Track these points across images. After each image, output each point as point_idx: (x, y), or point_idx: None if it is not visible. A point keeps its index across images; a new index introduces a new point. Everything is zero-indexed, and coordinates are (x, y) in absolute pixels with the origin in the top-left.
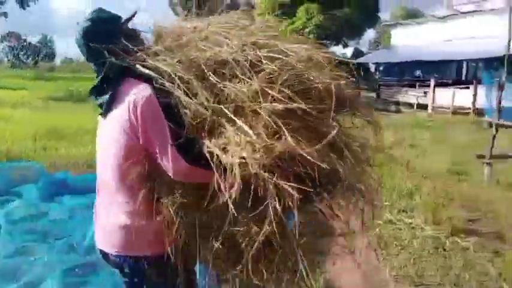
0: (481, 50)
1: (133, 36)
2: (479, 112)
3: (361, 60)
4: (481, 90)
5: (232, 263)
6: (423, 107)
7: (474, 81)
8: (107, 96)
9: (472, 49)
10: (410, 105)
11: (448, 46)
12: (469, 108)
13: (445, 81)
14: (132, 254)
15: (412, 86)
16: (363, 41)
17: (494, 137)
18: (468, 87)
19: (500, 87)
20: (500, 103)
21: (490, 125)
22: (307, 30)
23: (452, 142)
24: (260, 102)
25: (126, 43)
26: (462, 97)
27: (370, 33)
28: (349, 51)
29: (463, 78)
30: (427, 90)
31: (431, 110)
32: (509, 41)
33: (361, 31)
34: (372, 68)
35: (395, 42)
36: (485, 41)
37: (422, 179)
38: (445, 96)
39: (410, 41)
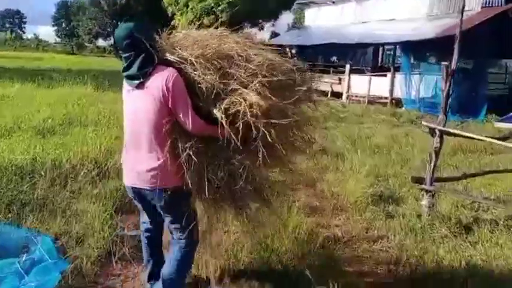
0: (401, 33)
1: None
2: (397, 102)
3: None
4: (400, 78)
5: (227, 191)
6: (337, 95)
7: (392, 68)
8: (138, 75)
9: (390, 32)
10: (323, 93)
11: (365, 28)
12: (386, 98)
13: (361, 67)
14: (160, 187)
15: (326, 72)
16: (281, 23)
17: (437, 151)
18: (385, 75)
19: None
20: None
21: (432, 131)
22: (219, 8)
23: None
24: (252, 80)
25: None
26: (379, 85)
27: (288, 16)
28: (266, 35)
29: (382, 64)
30: (342, 76)
31: (345, 99)
32: None
33: (276, 12)
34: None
35: (308, 23)
36: (405, 23)
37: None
38: (361, 84)
39: (324, 21)
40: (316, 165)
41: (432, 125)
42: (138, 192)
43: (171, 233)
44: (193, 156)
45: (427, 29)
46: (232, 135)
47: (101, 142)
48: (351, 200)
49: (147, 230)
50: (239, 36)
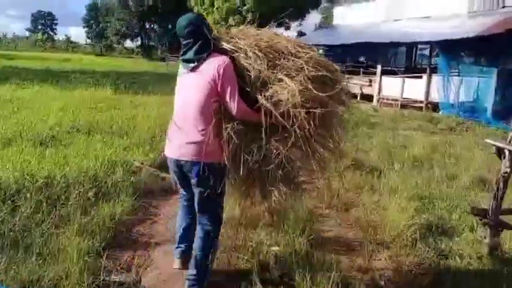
0: (438, 31)
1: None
2: (433, 106)
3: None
4: (436, 80)
5: (258, 174)
6: (368, 98)
7: (428, 69)
8: (194, 59)
9: (426, 31)
10: (353, 95)
11: (398, 27)
12: (421, 102)
13: (393, 68)
14: (202, 160)
15: (356, 73)
16: (307, 23)
17: (506, 178)
18: (421, 77)
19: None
20: None
21: (500, 152)
22: (245, 7)
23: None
24: (299, 73)
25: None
26: (413, 88)
27: (315, 16)
28: (292, 34)
29: (415, 65)
30: (373, 78)
31: (376, 102)
32: None
33: (303, 12)
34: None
35: (337, 21)
36: (442, 21)
37: None
38: (393, 87)
39: (353, 20)
40: (348, 183)
41: (501, 144)
42: (179, 165)
43: (198, 212)
44: (233, 136)
45: (467, 27)
46: (272, 121)
47: (106, 154)
48: (393, 232)
49: (186, 200)
50: (289, 37)
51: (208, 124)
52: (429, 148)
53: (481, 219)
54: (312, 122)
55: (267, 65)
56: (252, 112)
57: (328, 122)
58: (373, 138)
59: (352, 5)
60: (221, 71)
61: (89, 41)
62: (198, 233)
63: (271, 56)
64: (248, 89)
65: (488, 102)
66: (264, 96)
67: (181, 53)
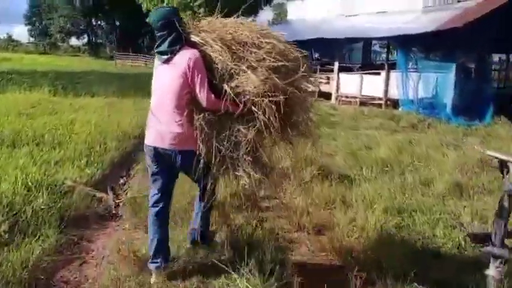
0: (395, 26)
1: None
2: (393, 103)
3: None
4: (395, 76)
5: (230, 160)
6: (325, 95)
7: (386, 66)
8: (168, 51)
9: (382, 26)
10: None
11: (354, 22)
12: (381, 99)
13: (349, 65)
14: (178, 148)
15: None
16: (260, 19)
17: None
18: (379, 73)
19: None
20: None
21: (503, 166)
22: (197, 3)
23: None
24: (261, 64)
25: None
26: (372, 85)
27: (268, 12)
28: None
29: (371, 61)
30: (330, 75)
31: (335, 100)
32: None
33: (255, 7)
34: None
35: (291, 17)
36: (399, 16)
37: None
38: (352, 84)
39: (307, 15)
40: (318, 197)
41: (504, 157)
42: (158, 153)
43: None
44: (204, 126)
45: (424, 22)
46: (238, 110)
47: (29, 172)
48: (373, 255)
49: (156, 202)
50: (254, 25)
51: (182, 114)
52: (395, 149)
53: (481, 247)
54: (274, 109)
55: (232, 57)
56: (220, 102)
57: (292, 108)
58: (336, 140)
59: (306, 0)
60: (191, 63)
61: (32, 39)
62: (200, 193)
63: (234, 48)
64: (215, 81)
65: (448, 98)
66: (230, 87)
67: (156, 45)
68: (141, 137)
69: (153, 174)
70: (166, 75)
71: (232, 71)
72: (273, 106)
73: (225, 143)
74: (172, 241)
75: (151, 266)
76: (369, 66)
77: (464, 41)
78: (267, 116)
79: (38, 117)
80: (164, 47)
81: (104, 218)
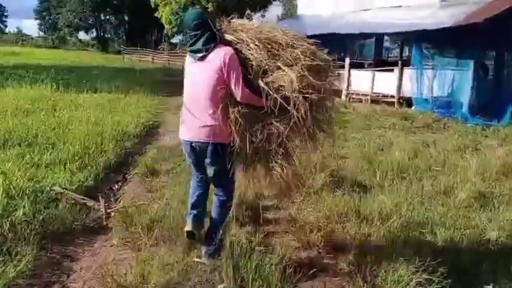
0: (410, 22)
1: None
2: (406, 101)
3: None
4: (409, 73)
5: (263, 152)
6: (335, 92)
7: (399, 62)
8: (203, 49)
9: (397, 21)
10: None
11: (367, 17)
12: (393, 97)
13: (361, 61)
14: (213, 141)
15: None
16: (270, 15)
17: None
18: (392, 70)
19: None
20: None
21: None
22: None
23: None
24: (296, 63)
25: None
26: (384, 82)
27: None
28: None
29: (384, 58)
30: (341, 72)
31: (345, 97)
32: None
33: (265, 2)
34: None
35: (301, 12)
36: (415, 11)
37: None
38: (363, 81)
39: (318, 10)
40: (328, 208)
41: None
42: (193, 147)
43: (214, 186)
44: (239, 119)
45: (441, 17)
46: (272, 104)
47: (13, 178)
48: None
49: (196, 188)
50: (285, 29)
51: (218, 108)
52: (411, 151)
53: None
54: (308, 106)
55: (267, 55)
56: (254, 97)
57: (321, 106)
58: (348, 141)
59: None
60: (227, 60)
61: (42, 33)
62: (215, 203)
63: (269, 47)
64: (250, 77)
65: (465, 96)
66: (266, 82)
67: (189, 44)
68: (142, 136)
69: (191, 164)
70: (202, 72)
71: (267, 67)
72: (306, 103)
73: (258, 134)
74: None
75: (189, 216)
76: (381, 62)
77: (484, 38)
78: (301, 112)
79: (34, 115)
80: (198, 45)
81: (92, 230)
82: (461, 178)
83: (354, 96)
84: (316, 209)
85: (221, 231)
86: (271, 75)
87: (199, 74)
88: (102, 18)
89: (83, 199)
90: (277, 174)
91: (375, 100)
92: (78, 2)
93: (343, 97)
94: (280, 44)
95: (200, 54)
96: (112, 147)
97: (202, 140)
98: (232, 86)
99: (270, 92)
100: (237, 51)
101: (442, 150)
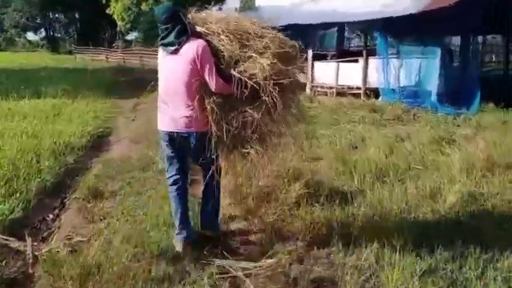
0: (371, 10)
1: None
2: (373, 92)
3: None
4: (375, 63)
5: (239, 138)
6: (299, 86)
7: (364, 52)
8: (175, 42)
9: (359, 9)
10: None
11: (326, 5)
12: (359, 88)
13: (322, 52)
14: (191, 130)
15: None
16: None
17: None
18: (357, 60)
19: None
20: None
21: None
22: None
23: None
24: (266, 51)
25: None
26: (349, 73)
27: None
28: None
29: (346, 47)
30: (304, 64)
31: (310, 90)
32: None
33: None
34: None
35: (260, 3)
36: None
37: None
38: (327, 73)
39: (276, 1)
40: (307, 227)
41: None
42: (172, 137)
43: (202, 169)
44: (215, 108)
45: (405, 3)
46: (245, 92)
47: None
48: None
49: (175, 182)
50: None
51: (194, 99)
52: (386, 147)
53: None
54: (278, 91)
55: (238, 45)
56: (227, 86)
57: (291, 90)
58: (318, 139)
59: None
60: (199, 52)
61: None
62: (208, 180)
63: (239, 37)
64: (222, 67)
65: (432, 85)
66: (238, 71)
67: (161, 37)
68: (88, 148)
69: (169, 158)
70: (176, 65)
71: (238, 57)
72: (277, 88)
73: (233, 122)
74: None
75: (178, 238)
76: (344, 53)
77: (449, 23)
78: (272, 98)
79: None
80: (170, 38)
81: (14, 283)
82: (446, 177)
83: (318, 89)
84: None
85: (219, 200)
86: (243, 64)
87: (174, 67)
88: (51, 16)
89: (5, 239)
90: (253, 158)
91: (341, 92)
92: (24, 1)
93: (307, 90)
94: (250, 33)
95: (173, 48)
96: (49, 165)
97: (182, 131)
98: (206, 77)
99: (243, 79)
100: (209, 43)
101: (418, 144)
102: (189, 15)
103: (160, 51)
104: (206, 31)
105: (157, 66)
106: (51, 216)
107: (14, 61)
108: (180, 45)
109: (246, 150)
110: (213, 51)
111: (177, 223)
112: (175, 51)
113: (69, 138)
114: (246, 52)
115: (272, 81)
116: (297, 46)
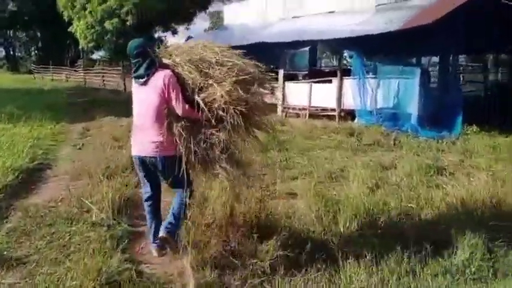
0: (347, 28)
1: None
2: (348, 114)
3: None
4: (350, 84)
5: (208, 159)
6: (270, 107)
7: (338, 72)
8: (144, 75)
9: (333, 27)
10: None
11: (298, 24)
12: (334, 110)
13: (295, 72)
14: (160, 155)
15: None
16: (195, 27)
17: None
18: (330, 81)
19: None
20: None
21: None
22: (124, 10)
23: None
24: (225, 79)
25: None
26: (323, 94)
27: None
28: (181, 40)
29: (321, 67)
30: (275, 85)
31: (281, 112)
32: None
33: (190, 14)
34: None
35: (228, 22)
36: (350, 17)
37: None
38: (299, 93)
39: (246, 19)
40: None
41: None
42: (143, 161)
43: (172, 188)
44: (182, 132)
45: (379, 23)
46: (209, 116)
47: None
48: None
49: (148, 198)
50: (218, 46)
51: (162, 125)
52: (369, 179)
53: None
54: (239, 114)
55: (200, 74)
56: (193, 111)
57: (253, 110)
58: (291, 169)
59: (244, 2)
60: (166, 81)
61: None
62: (176, 198)
63: (201, 67)
64: (188, 94)
65: (412, 107)
66: (202, 98)
67: (133, 70)
68: (12, 187)
69: (142, 178)
70: (146, 95)
71: (201, 85)
72: (237, 111)
73: (201, 144)
74: None
75: (153, 246)
76: (317, 73)
77: (427, 42)
78: (234, 120)
79: None
80: (141, 71)
81: None
82: (448, 218)
83: (290, 110)
84: None
85: (181, 218)
86: (206, 91)
87: (144, 97)
88: (11, 35)
89: None
90: (223, 177)
91: (314, 114)
92: None
93: (279, 112)
94: (211, 63)
95: (143, 80)
96: None
97: (151, 155)
98: (174, 103)
99: (201, 105)
100: (175, 73)
101: (404, 174)
102: (157, 50)
103: (133, 83)
104: (172, 63)
105: (131, 95)
106: None
107: None
108: (149, 76)
109: (216, 172)
110: (180, 80)
111: (151, 235)
112: (145, 83)
113: None
114: (207, 80)
115: (232, 106)
116: (261, 66)
